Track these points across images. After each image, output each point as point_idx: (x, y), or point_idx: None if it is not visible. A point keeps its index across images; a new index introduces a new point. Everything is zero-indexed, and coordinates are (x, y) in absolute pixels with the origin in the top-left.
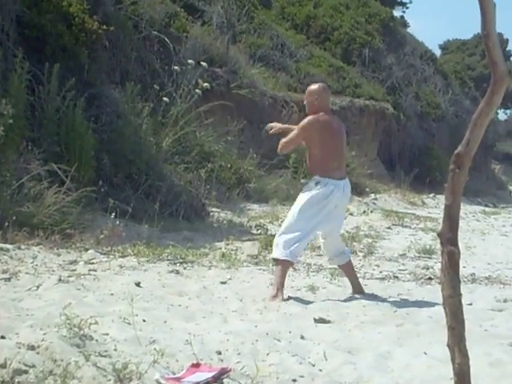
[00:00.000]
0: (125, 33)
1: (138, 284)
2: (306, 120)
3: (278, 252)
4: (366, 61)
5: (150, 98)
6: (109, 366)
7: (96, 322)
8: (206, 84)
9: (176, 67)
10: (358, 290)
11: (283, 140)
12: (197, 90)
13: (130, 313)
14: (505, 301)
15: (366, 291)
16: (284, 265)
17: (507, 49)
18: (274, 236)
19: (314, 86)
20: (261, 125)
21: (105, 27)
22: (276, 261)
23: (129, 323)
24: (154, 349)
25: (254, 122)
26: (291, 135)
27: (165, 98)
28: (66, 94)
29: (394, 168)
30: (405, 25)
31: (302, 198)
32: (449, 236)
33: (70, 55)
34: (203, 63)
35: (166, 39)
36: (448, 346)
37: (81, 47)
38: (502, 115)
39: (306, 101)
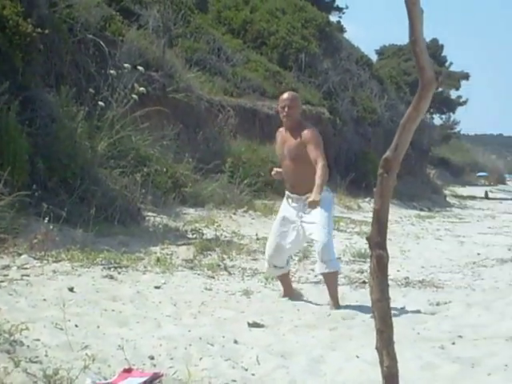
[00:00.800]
0: (60, 36)
1: (71, 289)
2: (314, 133)
3: (335, 264)
4: (302, 66)
5: (85, 102)
6: (39, 371)
7: (27, 328)
8: (142, 88)
9: (112, 71)
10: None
11: (322, 166)
12: (133, 95)
13: (63, 318)
14: (437, 304)
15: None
16: (337, 275)
17: (442, 54)
18: (209, 240)
19: (295, 93)
20: (197, 129)
21: (39, 30)
22: (330, 273)
23: (61, 328)
24: (86, 354)
25: (190, 126)
26: (320, 154)
27: (100, 103)
28: (0, 97)
29: (331, 172)
30: (341, 30)
31: (327, 209)
32: (377, 240)
33: (3, 58)
34: (140, 67)
35: (101, 43)
36: (377, 349)
37: (15, 50)
38: (437, 120)
39: (294, 108)
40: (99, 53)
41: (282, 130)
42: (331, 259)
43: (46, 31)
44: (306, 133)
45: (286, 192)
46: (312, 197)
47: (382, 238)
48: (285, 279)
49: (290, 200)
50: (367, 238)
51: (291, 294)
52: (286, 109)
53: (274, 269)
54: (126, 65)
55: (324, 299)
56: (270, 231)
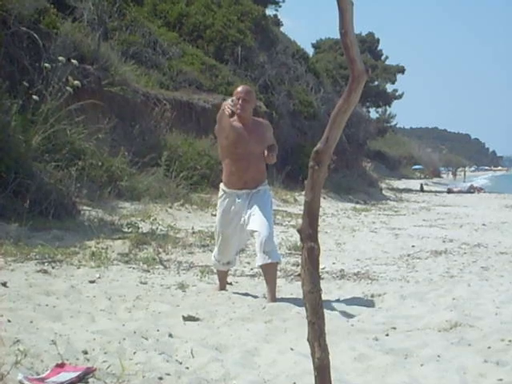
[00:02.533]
0: None
1: (4, 284)
2: (268, 124)
3: (276, 255)
4: (238, 59)
5: (19, 95)
6: None
7: None
8: (76, 82)
9: (47, 64)
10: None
11: (273, 154)
12: (67, 88)
13: None
14: (372, 296)
15: (237, 288)
16: (277, 267)
17: (378, 48)
18: (145, 234)
19: (250, 87)
20: (132, 122)
21: None
22: (271, 264)
23: None
24: (18, 349)
25: (126, 120)
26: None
27: (34, 96)
28: None
29: (267, 165)
30: (278, 23)
31: (268, 202)
32: (309, 232)
33: None
34: (74, 61)
35: (35, 35)
36: (308, 340)
37: None
38: (373, 113)
39: (250, 102)
40: (33, 46)
41: (231, 122)
42: (273, 250)
43: None
44: (265, 124)
45: (231, 190)
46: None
47: (314, 230)
48: (224, 274)
49: (236, 198)
50: (298, 231)
51: (225, 287)
52: (241, 101)
53: (224, 265)
54: (60, 58)
55: (259, 292)
56: (214, 228)
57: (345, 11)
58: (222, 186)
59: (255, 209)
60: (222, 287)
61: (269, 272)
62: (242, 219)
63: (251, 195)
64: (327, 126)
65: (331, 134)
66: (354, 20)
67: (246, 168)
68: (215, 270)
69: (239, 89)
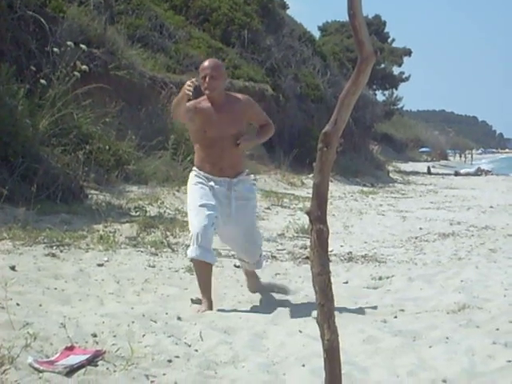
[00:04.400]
0: None
1: (12, 268)
2: (249, 100)
3: (261, 264)
4: (245, 42)
5: (26, 80)
6: None
7: None
8: (84, 66)
9: (55, 49)
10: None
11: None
12: (75, 73)
13: (4, 297)
14: (380, 278)
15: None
16: None
17: (385, 30)
18: (152, 218)
19: (218, 60)
20: (139, 106)
21: None
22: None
23: (2, 307)
24: (28, 332)
25: (133, 104)
26: (267, 116)
27: (42, 81)
28: None
29: (274, 149)
30: (284, 6)
31: (255, 205)
32: (317, 214)
33: None
34: (82, 45)
35: (41, 20)
36: (317, 322)
37: None
38: (380, 96)
39: (219, 78)
40: (40, 30)
41: (196, 103)
42: (260, 261)
43: None
44: (244, 100)
45: (207, 175)
46: (246, 139)
47: (322, 213)
48: (208, 273)
49: (213, 183)
50: (307, 213)
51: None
52: (208, 79)
53: (207, 253)
54: (68, 42)
55: (267, 274)
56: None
57: None
58: (195, 169)
59: (242, 227)
60: (209, 304)
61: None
62: (226, 212)
63: (232, 188)
64: (336, 108)
65: (340, 115)
66: (361, 2)
67: (219, 154)
68: (196, 273)
69: (205, 63)
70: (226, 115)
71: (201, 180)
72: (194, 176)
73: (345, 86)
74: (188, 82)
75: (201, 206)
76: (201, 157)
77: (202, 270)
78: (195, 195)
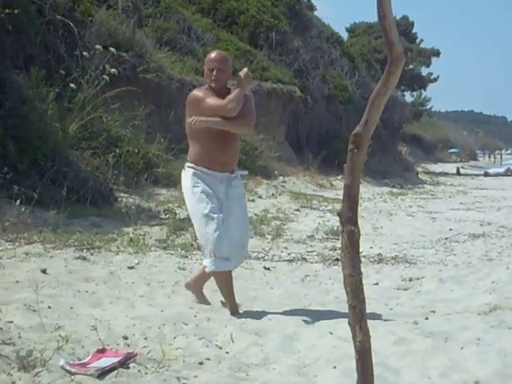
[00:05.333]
0: (28, 17)
1: (43, 271)
2: (249, 95)
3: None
4: (272, 44)
5: (56, 83)
6: (12, 353)
7: (0, 310)
8: (113, 70)
9: (85, 53)
10: None
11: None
12: (104, 76)
13: (36, 300)
14: (410, 280)
15: (275, 273)
16: None
17: (413, 31)
18: (182, 220)
19: (224, 53)
20: (168, 109)
21: (8, 11)
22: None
23: (34, 310)
24: (59, 335)
25: (162, 107)
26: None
27: (72, 84)
28: None
29: (303, 151)
30: (311, 8)
31: (245, 197)
32: (348, 215)
33: None
34: (111, 48)
35: (70, 24)
36: (349, 324)
37: None
38: (408, 97)
39: (226, 71)
40: (68, 34)
41: (202, 94)
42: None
43: (15, 12)
44: (247, 95)
45: (205, 170)
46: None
47: (353, 214)
48: (230, 282)
49: (215, 180)
50: (338, 214)
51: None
52: (216, 72)
53: (225, 262)
54: (97, 46)
55: (297, 277)
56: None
57: None
58: (192, 165)
59: (238, 220)
60: (234, 309)
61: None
62: (224, 207)
63: (229, 183)
64: (366, 108)
65: (370, 116)
66: (391, 3)
67: (223, 148)
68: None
69: (213, 55)
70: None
71: (199, 180)
72: (191, 175)
73: (373, 87)
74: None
75: (208, 212)
76: (201, 152)
77: (223, 278)
78: (198, 200)
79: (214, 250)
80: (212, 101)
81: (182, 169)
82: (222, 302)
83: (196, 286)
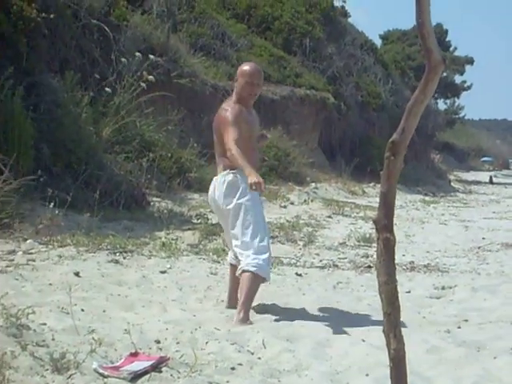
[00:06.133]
0: (64, 21)
1: (76, 274)
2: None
3: None
4: (306, 50)
5: (90, 87)
6: (46, 355)
7: (34, 312)
8: (150, 77)
9: (123, 59)
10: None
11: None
12: (141, 83)
13: (69, 302)
14: (443, 288)
15: (307, 279)
16: None
17: (447, 39)
18: (214, 225)
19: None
20: (201, 114)
21: (44, 15)
22: None
23: (67, 313)
24: (92, 338)
25: (195, 112)
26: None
27: (107, 89)
28: (5, 82)
29: (335, 157)
30: (345, 15)
31: None
32: (384, 223)
33: (8, 43)
34: (151, 56)
35: (105, 28)
36: (384, 331)
37: (19, 35)
38: (441, 105)
39: (262, 84)
40: (103, 38)
41: (241, 108)
42: None
43: (51, 16)
44: (255, 113)
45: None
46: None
47: (389, 221)
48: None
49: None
50: (374, 221)
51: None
52: (256, 87)
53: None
54: (137, 54)
55: (329, 283)
56: (259, 216)
57: (422, 2)
58: (241, 171)
59: None
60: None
61: None
62: None
63: None
64: (403, 116)
65: (407, 124)
66: (430, 11)
67: (255, 156)
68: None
69: (253, 69)
70: (257, 122)
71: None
72: (239, 181)
73: (406, 94)
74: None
75: (263, 220)
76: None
77: (259, 285)
78: (255, 204)
79: (270, 259)
80: (236, 133)
81: (227, 175)
82: (253, 307)
83: (246, 305)
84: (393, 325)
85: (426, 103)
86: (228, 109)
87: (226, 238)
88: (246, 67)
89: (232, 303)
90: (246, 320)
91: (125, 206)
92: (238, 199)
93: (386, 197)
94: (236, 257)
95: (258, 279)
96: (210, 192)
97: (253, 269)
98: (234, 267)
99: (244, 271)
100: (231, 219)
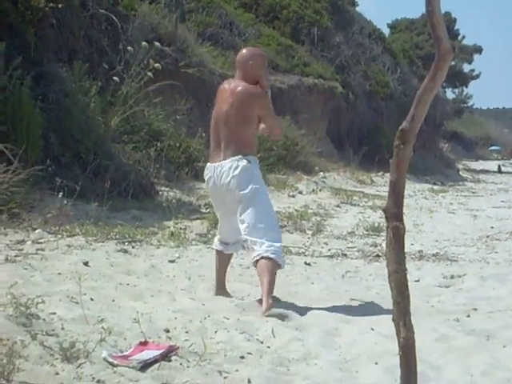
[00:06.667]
0: (72, 11)
1: (85, 263)
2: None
3: None
4: (314, 39)
5: (99, 77)
6: (56, 344)
7: (43, 301)
8: (157, 65)
9: (130, 48)
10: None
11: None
12: (148, 73)
13: (78, 292)
14: (451, 277)
15: (315, 268)
16: None
17: (455, 28)
18: None
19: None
20: (209, 104)
21: (52, 5)
22: None
23: (76, 302)
24: (102, 327)
25: (203, 101)
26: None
27: (115, 78)
28: (13, 72)
29: (343, 146)
30: (353, 3)
31: None
32: (394, 211)
33: (16, 33)
34: (156, 43)
35: (113, 17)
36: (393, 320)
37: (27, 25)
38: (449, 94)
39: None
40: (111, 28)
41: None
42: None
43: (59, 6)
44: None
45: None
46: None
47: (399, 210)
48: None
49: None
50: (383, 210)
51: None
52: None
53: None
54: (143, 43)
55: (338, 273)
56: (271, 205)
57: None
58: (252, 157)
59: None
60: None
61: None
62: None
63: None
64: (413, 104)
65: (417, 112)
66: None
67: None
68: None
69: (263, 54)
70: None
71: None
72: (257, 165)
73: (414, 83)
74: None
75: (272, 208)
76: (254, 142)
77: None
78: (266, 192)
79: (281, 244)
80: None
81: (240, 160)
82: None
83: (271, 293)
84: (402, 313)
85: (435, 91)
86: (256, 89)
87: (223, 223)
88: (257, 50)
89: (221, 291)
90: (273, 305)
91: (133, 195)
92: (253, 185)
93: (395, 185)
94: (224, 242)
95: (275, 266)
96: (211, 178)
97: (272, 255)
98: (220, 253)
99: (263, 258)
100: (244, 205)
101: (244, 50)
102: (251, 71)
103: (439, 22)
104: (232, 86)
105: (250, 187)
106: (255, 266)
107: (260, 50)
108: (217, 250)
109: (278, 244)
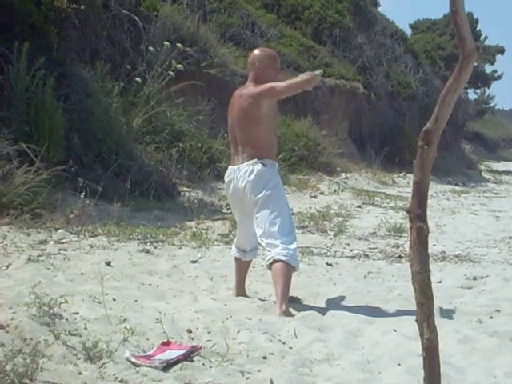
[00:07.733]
0: (94, 12)
1: (108, 263)
2: None
3: None
4: (336, 40)
5: (121, 78)
6: (79, 344)
7: (66, 301)
8: (179, 65)
9: (151, 48)
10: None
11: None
12: (170, 72)
13: (101, 292)
14: (474, 278)
15: (337, 269)
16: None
17: (477, 28)
18: None
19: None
20: None
21: (74, 6)
22: None
23: (99, 302)
24: (125, 327)
25: (225, 102)
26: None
27: (137, 78)
28: (36, 73)
29: (365, 147)
30: (375, 4)
31: None
32: (418, 212)
33: (38, 34)
34: (178, 44)
35: (136, 18)
36: (417, 321)
37: (50, 26)
38: (471, 95)
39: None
40: (134, 28)
41: None
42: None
43: (82, 7)
44: None
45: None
46: None
47: (423, 211)
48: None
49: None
50: (407, 211)
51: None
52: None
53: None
54: (165, 43)
55: (360, 273)
56: (286, 207)
57: None
58: (269, 161)
59: None
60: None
61: None
62: None
63: None
64: (436, 105)
65: (441, 113)
66: None
67: (276, 138)
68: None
69: (273, 54)
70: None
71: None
72: (275, 170)
73: (437, 84)
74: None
75: (289, 210)
76: (269, 144)
77: (292, 276)
78: (282, 195)
79: (296, 246)
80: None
81: (255, 164)
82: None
83: (285, 296)
84: (426, 314)
85: (459, 92)
86: (255, 88)
87: (241, 229)
88: (269, 51)
89: (240, 292)
90: (287, 311)
91: (155, 195)
92: (268, 189)
93: (419, 186)
94: (241, 250)
95: (289, 269)
96: (232, 182)
97: (284, 258)
98: (238, 260)
99: (275, 261)
100: (258, 209)
101: (255, 51)
102: (259, 72)
103: (463, 21)
104: (241, 91)
105: (264, 192)
106: (270, 269)
107: (269, 51)
108: (235, 258)
109: (293, 247)
